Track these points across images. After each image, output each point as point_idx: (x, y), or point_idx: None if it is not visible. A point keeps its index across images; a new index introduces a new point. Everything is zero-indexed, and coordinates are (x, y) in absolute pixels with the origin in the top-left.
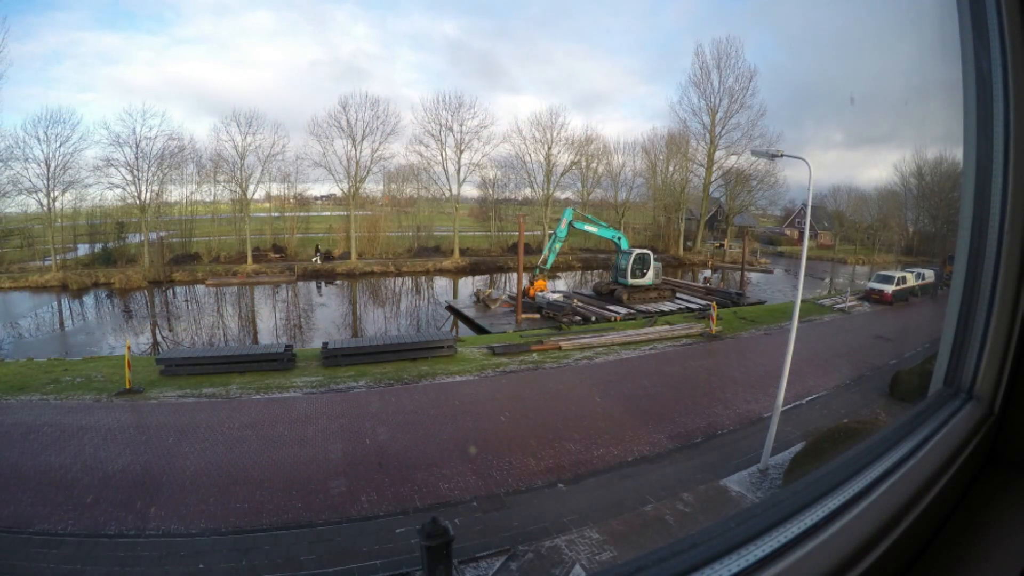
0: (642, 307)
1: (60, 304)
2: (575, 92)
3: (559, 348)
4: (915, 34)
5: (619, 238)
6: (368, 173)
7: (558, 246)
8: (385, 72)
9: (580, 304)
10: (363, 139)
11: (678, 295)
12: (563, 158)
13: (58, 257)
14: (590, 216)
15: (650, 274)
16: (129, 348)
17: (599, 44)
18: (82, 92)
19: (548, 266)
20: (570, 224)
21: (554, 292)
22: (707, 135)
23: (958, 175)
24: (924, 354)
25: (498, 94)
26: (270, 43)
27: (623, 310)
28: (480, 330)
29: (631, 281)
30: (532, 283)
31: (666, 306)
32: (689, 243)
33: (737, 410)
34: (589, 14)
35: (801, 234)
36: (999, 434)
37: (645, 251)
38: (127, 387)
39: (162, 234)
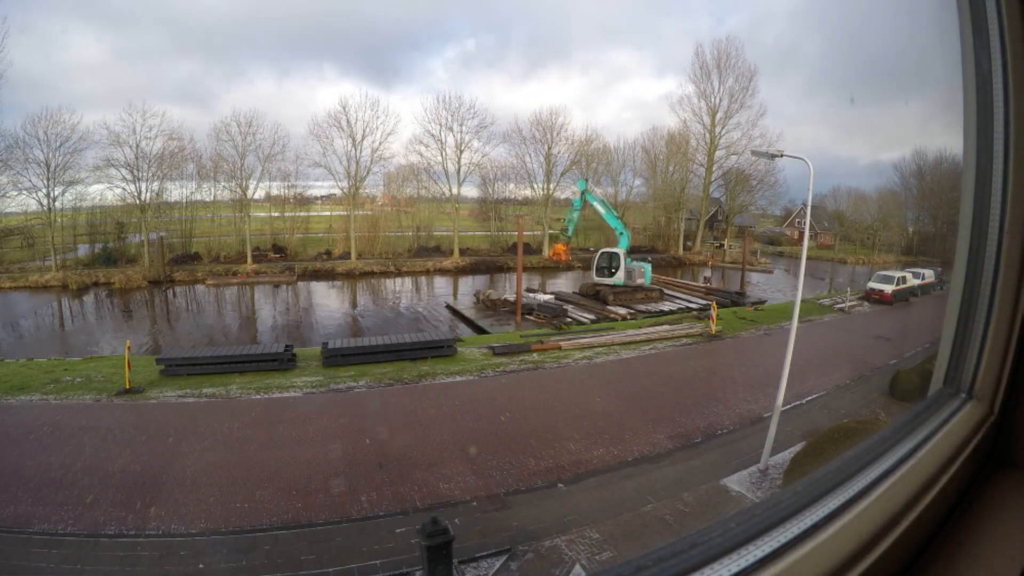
0: (643, 308)
1: (60, 304)
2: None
3: (559, 348)
4: (915, 34)
5: (621, 234)
6: (368, 173)
7: (575, 215)
8: None
9: (571, 306)
10: (363, 139)
11: (679, 295)
12: (563, 157)
13: (58, 257)
14: (603, 200)
15: (619, 274)
16: (129, 348)
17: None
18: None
19: (569, 234)
20: (583, 195)
21: (545, 293)
22: (707, 135)
23: (958, 175)
24: (924, 354)
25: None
26: None
27: (623, 310)
28: (480, 331)
29: (597, 279)
30: (552, 248)
31: (666, 306)
32: (689, 243)
33: (737, 410)
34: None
35: (801, 234)
36: (999, 434)
37: (615, 251)
38: (127, 387)
39: (162, 234)
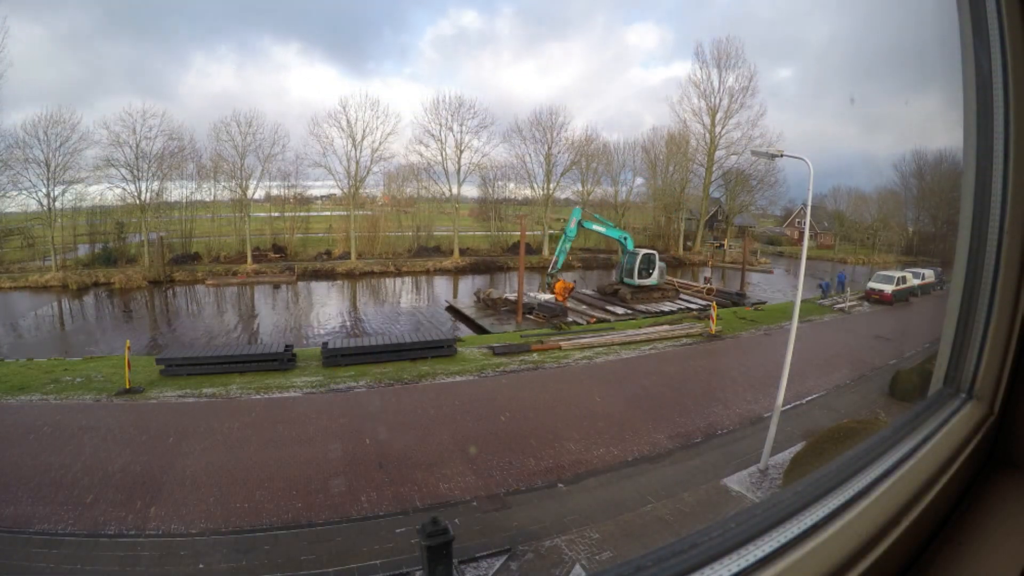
0: (642, 307)
1: (60, 304)
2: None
3: (559, 348)
4: (915, 34)
5: (625, 238)
6: (368, 173)
7: (567, 246)
8: None
9: (571, 304)
10: (363, 139)
11: (680, 296)
12: (563, 158)
13: (58, 257)
14: (598, 216)
15: (655, 274)
16: (129, 348)
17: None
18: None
19: (559, 267)
20: (579, 223)
21: (545, 293)
22: (707, 135)
23: (958, 175)
24: (924, 354)
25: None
26: None
27: (621, 310)
28: (480, 330)
29: (637, 281)
30: (552, 288)
31: (666, 306)
32: (689, 243)
33: (737, 410)
34: None
35: (801, 234)
36: (999, 434)
37: (651, 251)
38: (127, 387)
39: (162, 234)
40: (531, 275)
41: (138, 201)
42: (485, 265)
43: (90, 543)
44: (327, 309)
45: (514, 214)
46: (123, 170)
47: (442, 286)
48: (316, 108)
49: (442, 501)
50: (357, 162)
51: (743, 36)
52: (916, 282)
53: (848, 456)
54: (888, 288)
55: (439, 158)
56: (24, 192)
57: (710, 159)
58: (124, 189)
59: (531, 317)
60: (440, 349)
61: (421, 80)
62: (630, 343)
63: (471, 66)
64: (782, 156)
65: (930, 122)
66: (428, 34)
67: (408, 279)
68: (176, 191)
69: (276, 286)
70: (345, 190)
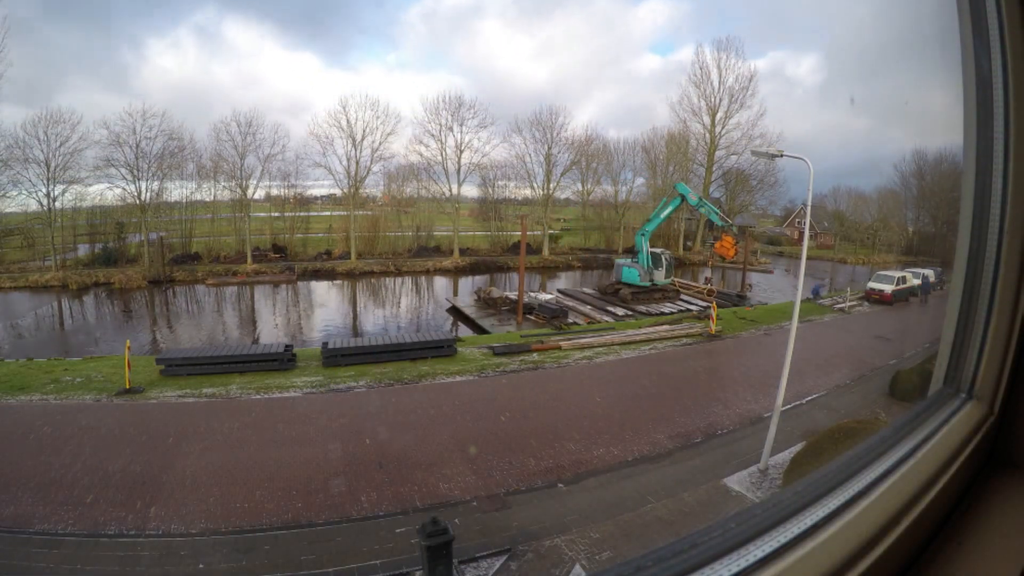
0: (642, 308)
1: (60, 304)
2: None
3: (559, 348)
4: (915, 34)
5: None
6: (368, 173)
7: (709, 205)
8: None
9: (571, 304)
10: (363, 139)
11: (680, 296)
12: (563, 158)
13: (58, 257)
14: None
15: (660, 274)
16: (129, 348)
17: None
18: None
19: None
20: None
21: (545, 293)
22: (707, 135)
23: (958, 175)
24: (924, 354)
25: None
26: None
27: (621, 311)
28: (480, 330)
29: (662, 280)
30: (720, 242)
31: (667, 307)
32: (689, 243)
33: (737, 410)
34: None
35: (801, 234)
36: (999, 434)
37: (663, 250)
38: (127, 387)
39: (162, 234)
40: (531, 275)
41: (138, 201)
42: (485, 265)
43: (90, 543)
44: (327, 309)
45: (514, 214)
46: (123, 170)
47: (442, 286)
48: (298, 101)
49: (442, 501)
50: (357, 162)
51: (749, 23)
52: (916, 282)
53: (848, 456)
54: (888, 288)
55: (439, 158)
56: (24, 192)
57: (710, 159)
58: (124, 189)
59: (531, 317)
60: (440, 349)
61: (410, 68)
62: (630, 343)
63: (464, 50)
64: (782, 156)
65: (930, 122)
66: (413, 12)
67: (408, 279)
68: (176, 191)
69: (276, 286)
70: (345, 190)
